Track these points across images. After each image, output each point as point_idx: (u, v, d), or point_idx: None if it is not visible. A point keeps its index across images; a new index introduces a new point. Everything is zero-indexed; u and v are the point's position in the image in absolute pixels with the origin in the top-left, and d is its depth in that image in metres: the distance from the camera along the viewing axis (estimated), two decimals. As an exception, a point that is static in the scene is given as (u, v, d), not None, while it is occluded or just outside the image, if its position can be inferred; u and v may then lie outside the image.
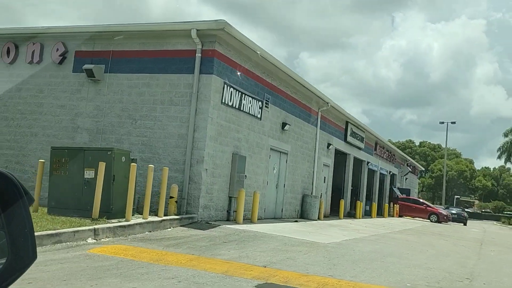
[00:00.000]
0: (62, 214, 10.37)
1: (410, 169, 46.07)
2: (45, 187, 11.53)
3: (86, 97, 13.97)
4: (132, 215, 10.58)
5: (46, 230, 8.04)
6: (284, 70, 15.76)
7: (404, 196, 40.01)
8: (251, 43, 13.37)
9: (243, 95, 14.21)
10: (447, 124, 61.42)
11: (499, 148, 66.37)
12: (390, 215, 35.60)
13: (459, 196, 75.44)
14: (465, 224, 41.19)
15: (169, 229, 10.93)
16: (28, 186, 14.27)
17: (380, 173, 35.13)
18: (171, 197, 11.79)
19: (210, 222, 12.54)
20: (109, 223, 9.64)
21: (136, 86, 13.42)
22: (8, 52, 15.05)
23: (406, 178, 46.40)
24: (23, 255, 1.60)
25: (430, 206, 38.79)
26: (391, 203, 37.24)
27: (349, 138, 25.62)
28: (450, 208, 49.04)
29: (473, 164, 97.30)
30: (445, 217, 37.03)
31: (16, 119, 14.75)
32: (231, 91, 13.54)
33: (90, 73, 13.64)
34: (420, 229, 23.81)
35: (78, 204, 10.55)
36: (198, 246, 9.12)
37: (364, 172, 30.30)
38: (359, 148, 28.07)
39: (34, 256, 1.64)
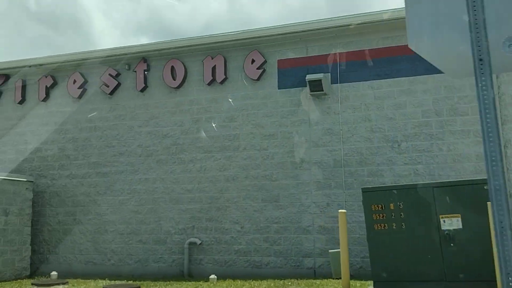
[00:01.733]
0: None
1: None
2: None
3: (308, 119, 10.19)
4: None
5: None
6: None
7: None
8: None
9: None
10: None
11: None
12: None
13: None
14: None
15: None
16: (234, 250, 10.28)
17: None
18: None
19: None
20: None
21: (390, 96, 9.74)
22: (172, 72, 11.21)
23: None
24: None
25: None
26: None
27: None
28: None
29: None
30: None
31: (198, 161, 10.80)
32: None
33: (315, 86, 9.93)
34: None
35: (435, 273, 6.71)
36: None
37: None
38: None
39: None
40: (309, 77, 9.97)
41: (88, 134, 11.79)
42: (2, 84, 12.67)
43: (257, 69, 10.58)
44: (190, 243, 10.51)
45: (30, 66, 12.20)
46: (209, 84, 10.95)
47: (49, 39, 37.54)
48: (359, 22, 9.98)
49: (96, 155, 11.64)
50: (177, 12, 40.41)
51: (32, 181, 11.54)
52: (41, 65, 12.13)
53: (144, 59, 11.48)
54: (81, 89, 11.93)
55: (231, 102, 10.67)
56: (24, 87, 12.48)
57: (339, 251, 8.11)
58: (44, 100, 12.23)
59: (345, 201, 9.64)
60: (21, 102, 12.45)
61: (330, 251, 8.97)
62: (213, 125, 10.78)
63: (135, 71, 11.53)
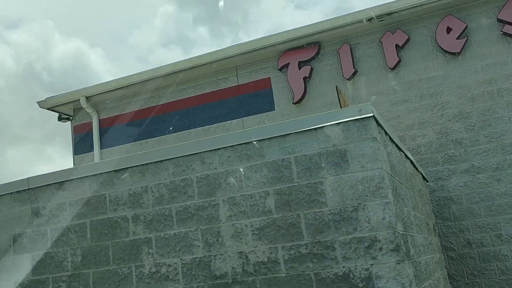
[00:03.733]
0: None
1: None
2: None
3: None
4: None
5: None
6: None
7: None
8: None
9: None
10: None
11: None
12: None
13: None
14: None
15: None
16: None
17: None
18: None
19: None
20: None
21: None
22: None
23: None
24: None
25: None
26: None
27: None
28: None
29: None
30: None
31: None
32: None
33: None
34: None
35: None
36: None
37: None
38: None
39: None
40: None
41: (490, 104, 7.60)
42: (313, 57, 8.78)
43: None
44: None
45: (367, 20, 8.27)
46: None
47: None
48: None
49: (515, 132, 7.39)
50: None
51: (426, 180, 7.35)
52: (386, 15, 8.18)
53: None
54: (462, 39, 7.86)
55: None
56: (353, 54, 8.53)
57: None
58: (395, 67, 8.21)
59: None
60: (351, 77, 8.48)
61: None
62: None
63: None
